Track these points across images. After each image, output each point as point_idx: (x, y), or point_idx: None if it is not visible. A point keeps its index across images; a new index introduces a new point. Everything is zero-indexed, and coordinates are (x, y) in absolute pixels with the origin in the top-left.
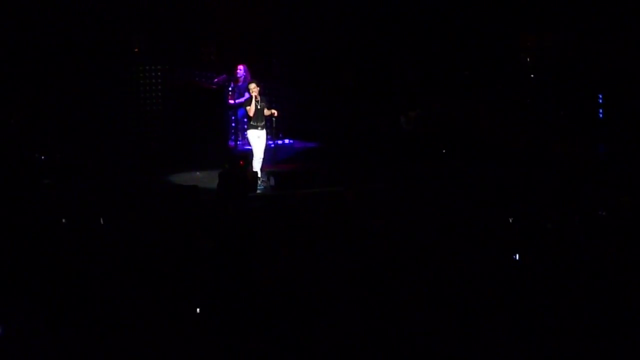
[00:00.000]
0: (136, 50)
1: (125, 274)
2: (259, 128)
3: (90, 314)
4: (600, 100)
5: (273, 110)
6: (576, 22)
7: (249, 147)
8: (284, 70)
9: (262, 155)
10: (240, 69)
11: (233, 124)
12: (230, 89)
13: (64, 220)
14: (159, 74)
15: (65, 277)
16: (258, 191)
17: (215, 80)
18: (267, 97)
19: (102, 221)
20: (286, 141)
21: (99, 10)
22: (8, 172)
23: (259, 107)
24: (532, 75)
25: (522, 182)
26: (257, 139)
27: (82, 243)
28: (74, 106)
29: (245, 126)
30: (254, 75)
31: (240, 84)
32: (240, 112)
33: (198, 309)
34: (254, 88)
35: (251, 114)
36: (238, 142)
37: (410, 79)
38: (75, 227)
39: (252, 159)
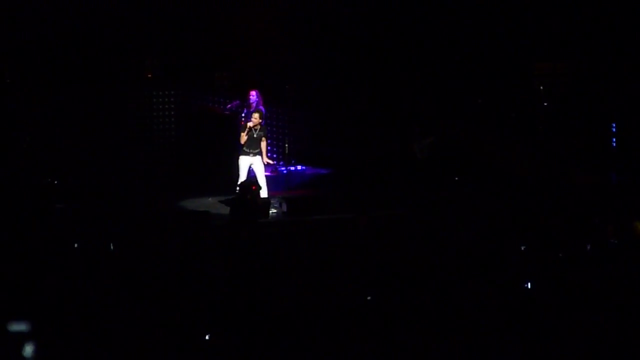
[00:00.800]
0: (149, 75)
1: (136, 299)
2: (251, 155)
3: (100, 339)
4: (614, 129)
5: (270, 161)
6: (589, 51)
7: (253, 174)
8: (296, 96)
9: (264, 182)
10: (253, 95)
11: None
12: (243, 114)
13: (76, 245)
14: (172, 99)
15: (76, 301)
16: (269, 217)
17: (229, 105)
18: (280, 122)
19: (112, 246)
20: (298, 167)
21: (113, 35)
22: (21, 196)
23: (254, 136)
24: (544, 104)
25: (535, 210)
26: (247, 166)
27: (94, 268)
28: (86, 131)
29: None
30: (267, 101)
31: (252, 109)
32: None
33: (207, 336)
34: (256, 118)
35: (242, 141)
36: (250, 168)
37: (423, 106)
38: (87, 251)
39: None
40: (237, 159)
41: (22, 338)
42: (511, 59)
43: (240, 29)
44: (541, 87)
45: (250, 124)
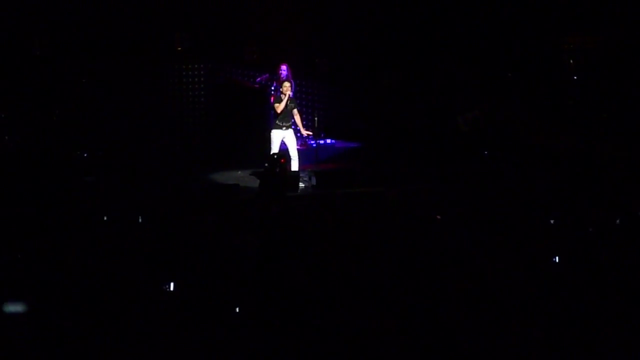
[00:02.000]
0: (179, 48)
1: (165, 272)
2: (284, 128)
3: (128, 309)
4: None
5: (309, 132)
6: (620, 23)
7: (285, 147)
8: (327, 69)
9: (296, 155)
10: (283, 69)
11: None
12: (272, 88)
13: (105, 218)
14: (202, 72)
15: (105, 274)
16: (299, 190)
17: (258, 79)
18: (310, 96)
19: (140, 219)
20: (328, 141)
21: (142, 8)
22: (50, 169)
23: (286, 107)
24: (575, 77)
25: (565, 184)
26: (279, 140)
27: (123, 241)
28: (116, 104)
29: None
30: (296, 74)
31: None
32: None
33: (237, 308)
34: (286, 87)
35: (279, 111)
36: (282, 141)
37: (462, 79)
38: (116, 224)
39: (289, 159)
40: (269, 132)
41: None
42: (541, 33)
43: (270, 1)
44: (571, 61)
45: (284, 95)
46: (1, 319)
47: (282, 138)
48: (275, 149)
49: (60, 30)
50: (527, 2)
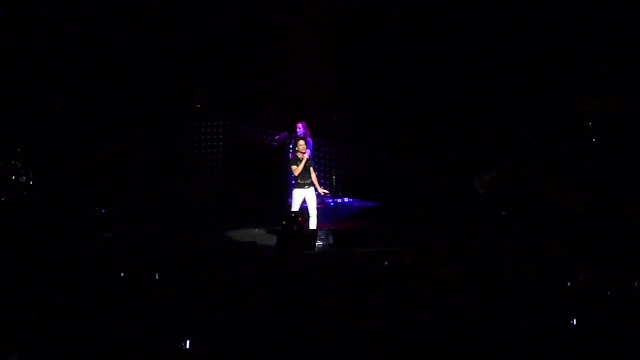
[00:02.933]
0: (198, 106)
1: (182, 329)
2: (306, 187)
3: None
4: None
5: (325, 191)
6: (639, 87)
7: (305, 205)
8: (345, 127)
9: (315, 214)
10: (300, 127)
11: (293, 182)
12: (291, 146)
13: (122, 274)
14: (221, 129)
15: (121, 330)
16: (316, 249)
17: (277, 137)
18: (328, 155)
19: (157, 276)
20: (346, 200)
21: (163, 65)
22: (68, 224)
23: (306, 166)
24: (593, 140)
25: (583, 247)
26: (301, 198)
27: (140, 297)
28: (135, 160)
29: (293, 183)
30: (315, 132)
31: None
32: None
33: None
34: (302, 146)
35: (296, 174)
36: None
37: (482, 140)
38: (133, 281)
39: (308, 218)
40: (291, 191)
41: None
42: (560, 95)
43: (288, 60)
44: (590, 124)
45: (301, 155)
46: None
47: (304, 196)
48: (296, 207)
49: (80, 86)
50: (547, 64)
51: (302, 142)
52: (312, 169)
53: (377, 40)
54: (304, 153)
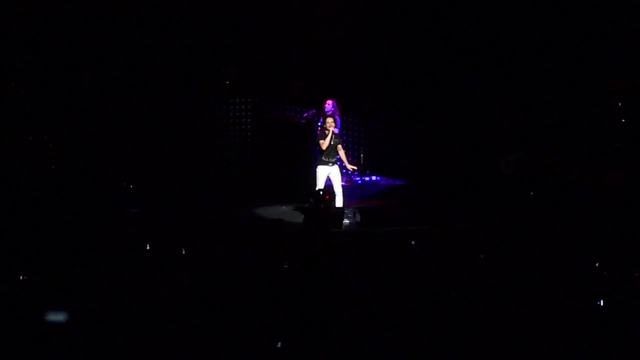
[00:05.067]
0: (227, 82)
1: (206, 305)
2: (330, 164)
3: (170, 343)
4: None
5: (354, 167)
6: None
7: (330, 183)
8: (373, 105)
9: (340, 191)
10: (329, 104)
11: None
12: (319, 124)
13: (148, 247)
14: (249, 107)
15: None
16: (343, 227)
17: (305, 114)
18: (356, 132)
19: (184, 252)
20: (373, 178)
21: (191, 42)
22: (96, 199)
23: (332, 143)
24: (622, 120)
25: (611, 228)
26: (325, 176)
27: (165, 273)
28: (163, 136)
29: (316, 161)
30: (343, 110)
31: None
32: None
33: (279, 344)
34: (330, 123)
35: (323, 147)
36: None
37: (509, 120)
38: (159, 256)
39: (334, 196)
40: (315, 168)
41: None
42: (589, 75)
43: (318, 37)
44: (619, 104)
45: (328, 131)
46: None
47: (328, 174)
48: (320, 184)
49: (109, 62)
50: (576, 44)
51: (330, 119)
52: (340, 146)
53: (407, 16)
54: (330, 129)
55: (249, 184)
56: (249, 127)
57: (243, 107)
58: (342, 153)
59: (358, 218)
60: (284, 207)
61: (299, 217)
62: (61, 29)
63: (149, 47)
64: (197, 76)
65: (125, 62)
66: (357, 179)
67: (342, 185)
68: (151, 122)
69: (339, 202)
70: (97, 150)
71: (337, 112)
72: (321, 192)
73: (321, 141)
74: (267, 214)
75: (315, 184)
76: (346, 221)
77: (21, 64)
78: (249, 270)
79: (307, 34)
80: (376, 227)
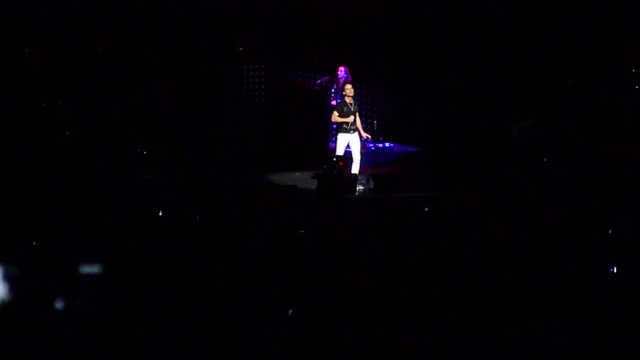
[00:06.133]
0: (240, 49)
1: (219, 271)
2: (351, 132)
3: (183, 307)
4: None
5: (368, 135)
6: None
7: (349, 149)
8: (387, 72)
9: (359, 158)
10: (341, 70)
11: (334, 125)
12: (332, 90)
13: (160, 214)
14: (262, 73)
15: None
16: (356, 193)
17: (318, 81)
18: (369, 99)
19: (198, 218)
20: (387, 144)
21: (204, 8)
22: (110, 165)
23: (352, 110)
24: (637, 87)
25: (623, 195)
26: (345, 143)
27: (179, 239)
28: (176, 103)
29: (335, 127)
30: (356, 77)
31: (341, 85)
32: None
33: (290, 311)
34: (349, 90)
35: (338, 120)
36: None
37: (522, 86)
38: (173, 222)
39: (350, 162)
40: (335, 135)
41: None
42: (603, 41)
43: (331, 3)
44: (633, 70)
45: (349, 99)
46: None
47: (348, 141)
48: (340, 151)
49: (123, 28)
50: (590, 9)
51: (349, 86)
52: (357, 113)
53: None
54: (352, 97)
55: (263, 150)
56: (262, 93)
57: (257, 73)
58: (358, 120)
59: (372, 184)
60: (297, 173)
61: (312, 184)
62: None
63: (164, 14)
64: (211, 43)
65: (140, 28)
66: (371, 145)
67: None
68: (165, 89)
69: (355, 168)
70: (111, 116)
71: (350, 79)
72: (335, 159)
73: (335, 112)
74: (281, 181)
75: (335, 151)
76: (360, 187)
77: (35, 30)
78: (262, 237)
79: (320, 0)
80: (390, 194)
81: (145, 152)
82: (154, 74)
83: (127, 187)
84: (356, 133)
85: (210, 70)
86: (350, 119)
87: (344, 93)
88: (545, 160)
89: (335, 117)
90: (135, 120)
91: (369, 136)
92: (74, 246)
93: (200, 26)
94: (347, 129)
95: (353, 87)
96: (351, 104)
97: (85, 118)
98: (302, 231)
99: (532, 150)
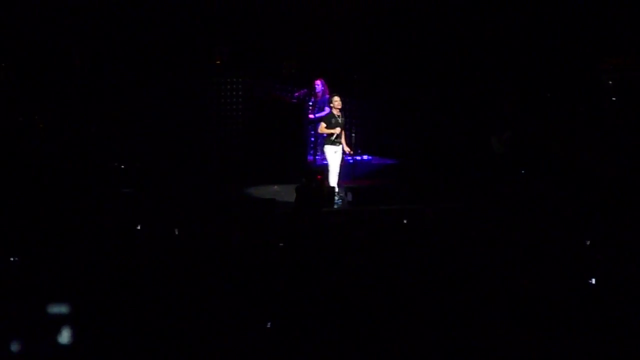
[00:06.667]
0: (218, 62)
1: (197, 284)
2: (337, 144)
3: (160, 320)
4: None
5: (350, 150)
6: None
7: (327, 162)
8: (364, 85)
9: (338, 171)
10: (318, 84)
11: (312, 139)
12: (310, 103)
13: (139, 227)
14: (240, 86)
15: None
16: (335, 206)
17: (296, 94)
18: (347, 112)
19: (176, 232)
20: (365, 157)
21: (182, 21)
22: (88, 180)
23: (339, 122)
24: (613, 98)
25: (603, 205)
26: (334, 154)
27: (157, 252)
28: (155, 116)
29: (324, 140)
30: (334, 90)
31: (318, 98)
32: (318, 127)
33: (269, 324)
34: (338, 102)
35: (320, 131)
36: (316, 157)
37: (501, 99)
38: (151, 236)
39: (328, 174)
40: (322, 147)
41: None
42: (581, 54)
43: (309, 16)
44: (610, 82)
45: (336, 112)
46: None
47: (334, 152)
48: (332, 163)
49: (100, 41)
50: (567, 22)
51: (337, 98)
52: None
53: None
54: (340, 109)
55: (241, 163)
56: (240, 107)
57: (234, 86)
58: (342, 133)
59: (350, 197)
60: (276, 186)
61: (291, 197)
62: (52, 9)
63: (140, 27)
64: (188, 56)
65: (116, 42)
66: (349, 158)
67: None
68: (143, 103)
69: (333, 180)
70: (89, 130)
71: (327, 92)
72: (313, 172)
73: (322, 124)
74: (259, 194)
75: (328, 164)
76: (338, 200)
77: (11, 44)
78: (241, 250)
79: (298, 13)
80: (368, 207)
81: (123, 166)
82: (132, 87)
83: (106, 201)
84: (341, 145)
85: (189, 83)
86: (337, 130)
87: (331, 105)
88: (523, 172)
89: (323, 128)
90: (113, 134)
91: (351, 151)
92: (53, 261)
93: (178, 39)
94: (334, 140)
95: (325, 100)
96: (339, 116)
97: (62, 132)
98: (281, 244)
99: (510, 162)
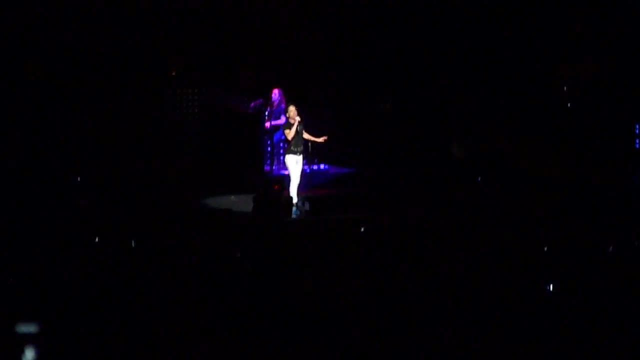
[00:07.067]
0: (173, 73)
1: (156, 296)
2: (297, 153)
3: (120, 335)
4: (637, 130)
5: (324, 137)
6: (613, 51)
7: (284, 172)
8: (321, 94)
9: (299, 181)
10: (275, 93)
11: (269, 149)
12: (266, 113)
13: (96, 240)
14: (196, 97)
15: (95, 296)
16: (293, 216)
17: (252, 104)
18: (303, 121)
19: (133, 244)
20: (321, 166)
21: (137, 33)
22: (45, 192)
23: (298, 131)
24: (568, 104)
25: (559, 211)
26: (295, 164)
27: (114, 265)
28: (110, 128)
29: (282, 151)
30: (291, 99)
31: (275, 108)
32: (276, 137)
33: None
34: (293, 112)
35: (290, 137)
36: (273, 167)
37: (459, 106)
38: (108, 248)
39: (288, 184)
40: (283, 157)
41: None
42: (535, 60)
43: (265, 27)
44: (565, 88)
45: (293, 120)
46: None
47: (296, 162)
48: (293, 173)
49: (53, 54)
50: (522, 29)
51: (292, 107)
52: (304, 131)
53: (353, 3)
54: (295, 118)
55: (198, 175)
56: (196, 117)
57: (190, 97)
58: (307, 136)
59: (307, 207)
60: (233, 197)
61: (248, 207)
62: (6, 22)
63: (95, 38)
64: (144, 67)
65: (71, 54)
66: (306, 167)
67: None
68: (98, 114)
69: (293, 190)
70: (44, 143)
71: (284, 101)
72: (270, 182)
73: (287, 131)
74: (216, 204)
75: (289, 174)
76: (295, 210)
77: None
78: (198, 261)
79: (253, 23)
80: (325, 216)
81: (79, 178)
82: (87, 99)
83: (63, 213)
84: (301, 155)
85: (144, 94)
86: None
87: (287, 115)
88: (479, 179)
89: (288, 133)
90: (69, 146)
91: (326, 138)
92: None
93: (133, 50)
94: (295, 150)
95: (281, 109)
96: (298, 125)
97: (16, 145)
98: (238, 255)
99: (468, 169)
